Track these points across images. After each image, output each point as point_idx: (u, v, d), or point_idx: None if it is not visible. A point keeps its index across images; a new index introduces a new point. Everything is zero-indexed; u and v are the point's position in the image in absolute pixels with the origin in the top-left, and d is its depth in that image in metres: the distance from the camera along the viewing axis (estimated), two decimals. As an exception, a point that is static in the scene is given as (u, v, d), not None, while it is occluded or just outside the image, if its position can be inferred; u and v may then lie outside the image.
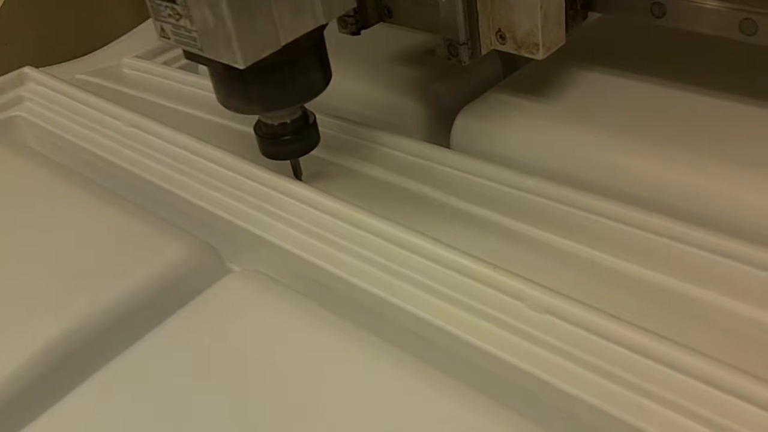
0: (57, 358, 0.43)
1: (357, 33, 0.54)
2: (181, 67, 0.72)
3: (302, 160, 0.51)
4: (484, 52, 0.49)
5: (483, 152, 0.53)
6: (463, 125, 0.54)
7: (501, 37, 0.48)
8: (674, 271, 0.42)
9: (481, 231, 0.47)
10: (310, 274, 0.46)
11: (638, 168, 0.49)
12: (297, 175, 0.51)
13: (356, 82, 0.62)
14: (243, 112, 0.49)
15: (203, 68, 0.71)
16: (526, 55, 0.48)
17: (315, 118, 0.50)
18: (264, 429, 0.37)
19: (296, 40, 0.43)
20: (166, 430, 0.38)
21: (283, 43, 0.42)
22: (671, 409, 0.34)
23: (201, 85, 0.66)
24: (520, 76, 0.59)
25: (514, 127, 0.53)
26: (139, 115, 0.59)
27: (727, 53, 0.55)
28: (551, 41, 0.48)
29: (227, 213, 0.50)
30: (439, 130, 0.57)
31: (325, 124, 0.53)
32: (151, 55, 0.74)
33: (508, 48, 0.48)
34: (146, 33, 0.78)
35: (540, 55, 0.47)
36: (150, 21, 0.47)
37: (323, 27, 0.45)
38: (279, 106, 0.47)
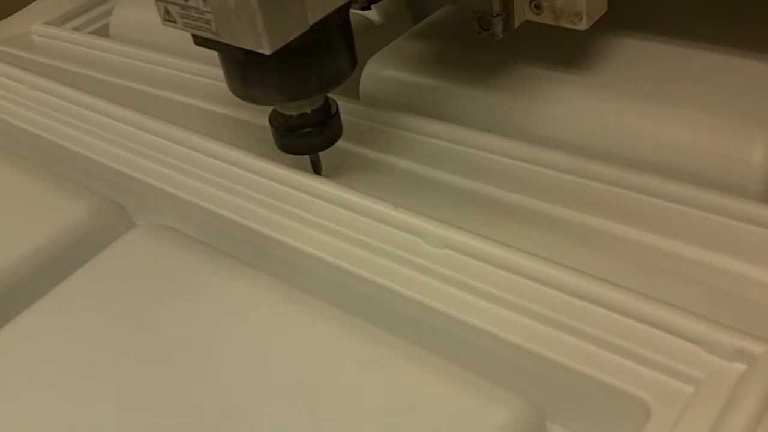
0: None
1: (367, 7, 0.49)
2: (93, 32, 0.71)
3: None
4: (517, 24, 0.45)
5: (392, 101, 0.53)
6: (371, 74, 0.54)
7: (536, 6, 0.44)
8: (580, 204, 0.42)
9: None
10: (219, 226, 0.45)
11: (534, 106, 0.49)
12: (316, 169, 0.46)
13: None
14: (261, 103, 0.43)
15: (116, 32, 0.72)
16: (566, 26, 0.43)
17: (338, 107, 0.45)
18: (172, 374, 0.37)
19: (324, 19, 0.37)
20: (70, 386, 0.37)
21: (311, 23, 0.37)
22: (567, 332, 0.34)
23: (111, 49, 0.65)
24: (428, 24, 0.59)
25: (423, 75, 0.53)
26: (44, 78, 0.58)
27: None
28: (594, 9, 0.43)
29: (134, 170, 0.49)
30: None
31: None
32: (60, 21, 0.72)
33: (544, 18, 0.44)
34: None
35: (583, 25, 0.43)
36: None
37: (351, 2, 0.40)
38: (303, 96, 0.42)
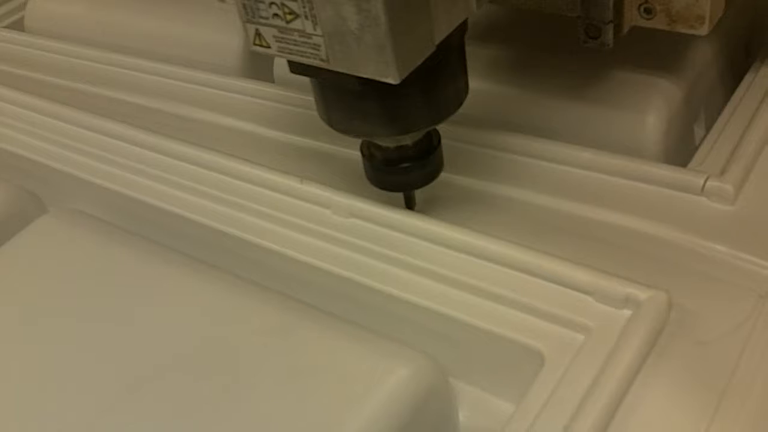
0: None
1: None
2: (7, 26, 0.70)
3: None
4: (625, 30, 0.41)
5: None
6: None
7: (646, 11, 0.39)
8: (478, 171, 0.43)
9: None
10: (131, 209, 0.45)
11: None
12: (410, 205, 0.40)
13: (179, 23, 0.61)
14: (364, 137, 0.37)
15: (31, 25, 0.71)
16: (683, 31, 0.39)
17: (440, 138, 0.39)
18: (80, 352, 0.37)
19: (447, 38, 0.32)
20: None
21: (436, 43, 0.32)
22: (465, 290, 0.35)
23: (27, 43, 0.65)
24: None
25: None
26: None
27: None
28: (715, 12, 0.39)
29: (45, 158, 0.49)
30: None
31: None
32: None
33: (657, 23, 0.40)
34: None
35: (704, 30, 0.38)
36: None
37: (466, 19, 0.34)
38: (421, 127, 0.36)
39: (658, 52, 0.47)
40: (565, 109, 0.47)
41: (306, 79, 0.52)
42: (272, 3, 0.31)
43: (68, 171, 0.48)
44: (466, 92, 0.37)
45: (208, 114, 0.52)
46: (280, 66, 0.55)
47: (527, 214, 0.41)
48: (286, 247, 0.40)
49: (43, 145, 0.50)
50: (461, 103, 0.37)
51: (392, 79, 0.30)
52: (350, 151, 0.47)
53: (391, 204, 0.40)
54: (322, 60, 0.31)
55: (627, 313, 0.33)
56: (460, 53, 0.36)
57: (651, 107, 0.45)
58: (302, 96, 0.50)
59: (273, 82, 0.56)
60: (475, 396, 0.36)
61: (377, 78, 0.30)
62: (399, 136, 0.36)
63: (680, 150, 0.45)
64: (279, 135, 0.50)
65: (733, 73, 0.50)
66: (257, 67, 0.57)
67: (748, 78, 0.47)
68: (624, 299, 0.33)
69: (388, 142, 0.37)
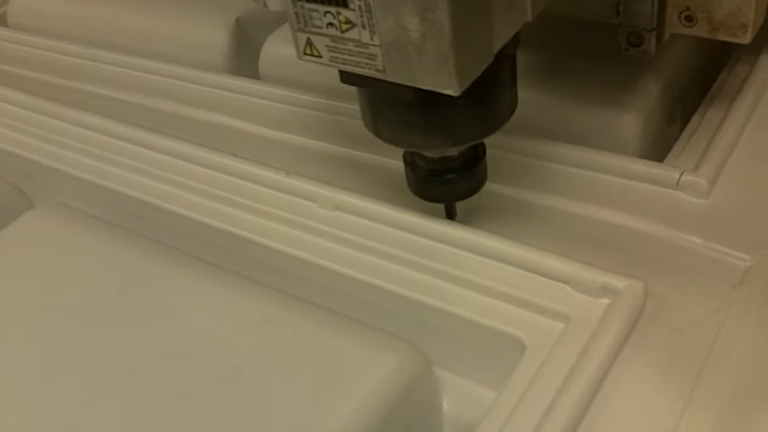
0: None
1: None
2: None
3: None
4: (666, 38, 0.40)
5: (291, 79, 0.54)
6: (270, 53, 0.55)
7: (687, 18, 0.39)
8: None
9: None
10: (115, 203, 0.46)
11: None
12: (450, 215, 0.40)
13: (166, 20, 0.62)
14: (414, 148, 0.37)
15: (14, 21, 0.71)
16: (726, 39, 0.39)
17: (485, 149, 0.38)
18: (74, 342, 0.37)
19: (503, 48, 0.32)
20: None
21: (495, 51, 0.31)
22: (450, 281, 0.36)
23: (9, 38, 0.65)
24: None
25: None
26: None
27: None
28: (758, 20, 0.38)
29: (31, 153, 0.49)
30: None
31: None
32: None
33: (698, 31, 0.39)
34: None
35: (747, 39, 0.38)
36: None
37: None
38: (473, 138, 0.35)
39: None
40: (546, 105, 0.48)
41: (290, 76, 0.54)
42: (327, 12, 0.30)
43: (53, 166, 0.48)
44: (516, 103, 0.36)
45: (193, 110, 0.53)
46: (265, 63, 0.56)
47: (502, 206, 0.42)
48: (272, 239, 0.40)
49: (28, 141, 0.50)
50: (512, 114, 0.36)
51: (453, 91, 0.29)
52: (333, 146, 0.47)
53: (376, 198, 0.40)
54: (377, 70, 0.30)
55: (605, 301, 0.34)
56: (513, 64, 0.35)
57: (629, 106, 0.46)
58: (287, 93, 0.51)
59: (258, 78, 0.56)
60: (459, 384, 0.37)
61: (437, 90, 0.29)
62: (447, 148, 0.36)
63: (657, 146, 0.46)
64: (264, 131, 0.50)
65: (708, 71, 0.51)
66: (243, 64, 0.57)
67: (722, 76, 0.48)
68: (602, 288, 0.34)
69: (434, 153, 0.37)
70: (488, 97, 0.34)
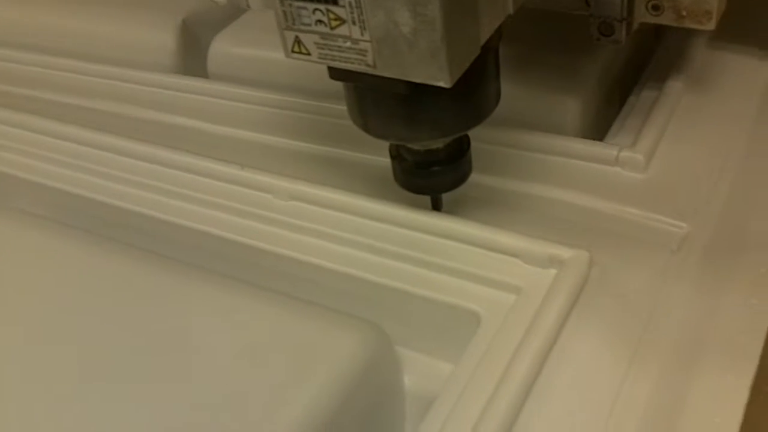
0: None
1: None
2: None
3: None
4: (635, 27, 0.42)
5: (240, 77, 0.55)
6: (218, 52, 0.56)
7: (654, 7, 0.40)
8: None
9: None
10: (73, 206, 0.46)
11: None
12: (437, 206, 0.40)
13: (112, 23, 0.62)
14: (403, 141, 0.37)
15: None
16: (692, 26, 0.40)
17: (470, 141, 0.39)
18: (36, 348, 0.37)
19: (488, 40, 0.32)
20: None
21: (482, 44, 0.32)
22: (406, 261, 0.38)
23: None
24: None
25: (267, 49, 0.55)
26: None
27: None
28: (720, 7, 0.40)
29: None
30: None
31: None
32: None
33: (664, 20, 0.41)
34: None
35: (712, 25, 0.40)
36: None
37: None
38: (460, 130, 0.36)
39: (575, 38, 0.51)
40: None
41: (238, 73, 0.55)
42: (316, 9, 0.30)
43: (7, 171, 0.48)
44: (500, 94, 0.37)
45: (145, 111, 0.53)
46: (214, 62, 0.56)
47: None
48: (230, 231, 0.41)
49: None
50: (496, 106, 0.37)
51: (444, 83, 0.30)
52: (287, 141, 0.48)
53: (323, 185, 0.42)
54: (368, 65, 0.30)
55: (552, 272, 0.36)
56: (496, 56, 0.36)
57: (569, 90, 0.48)
58: (236, 90, 0.52)
59: (207, 77, 0.57)
60: (419, 360, 0.38)
61: (429, 82, 0.30)
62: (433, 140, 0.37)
63: (597, 126, 0.48)
64: (215, 128, 0.51)
65: (643, 54, 0.54)
66: (191, 64, 0.58)
67: (655, 58, 0.51)
68: (549, 259, 0.36)
69: (421, 146, 0.37)
70: (475, 89, 0.35)
